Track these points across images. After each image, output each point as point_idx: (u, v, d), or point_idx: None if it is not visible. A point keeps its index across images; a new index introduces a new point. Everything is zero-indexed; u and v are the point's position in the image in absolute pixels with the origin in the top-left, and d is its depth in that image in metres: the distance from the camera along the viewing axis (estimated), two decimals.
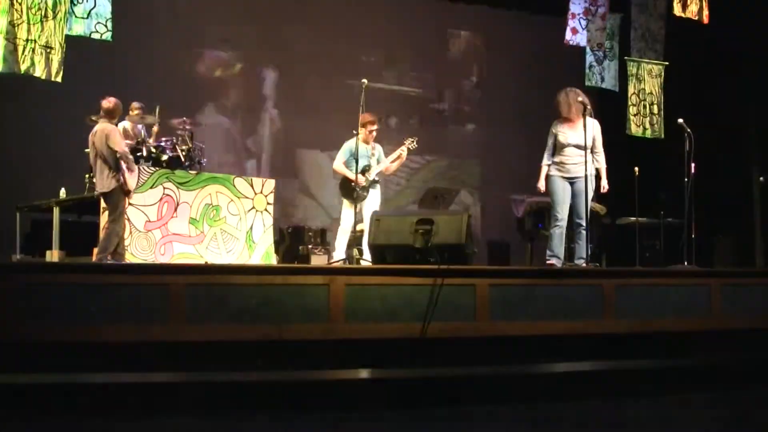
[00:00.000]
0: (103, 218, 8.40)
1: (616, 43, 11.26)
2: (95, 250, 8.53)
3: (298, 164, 12.39)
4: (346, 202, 9.27)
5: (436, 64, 13.31)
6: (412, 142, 9.52)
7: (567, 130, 8.27)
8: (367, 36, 12.56)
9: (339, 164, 9.32)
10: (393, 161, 9.42)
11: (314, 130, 12.03)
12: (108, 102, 8.25)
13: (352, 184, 9.05)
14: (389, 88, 12.79)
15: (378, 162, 9.39)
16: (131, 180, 8.17)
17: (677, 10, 10.57)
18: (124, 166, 8.10)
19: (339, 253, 9.12)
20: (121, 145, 8.12)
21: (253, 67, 12.12)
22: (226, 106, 12.03)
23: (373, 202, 9.29)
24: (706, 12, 10.60)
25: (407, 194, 12.50)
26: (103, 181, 8.06)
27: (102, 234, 8.21)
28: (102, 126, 8.13)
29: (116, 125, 8.36)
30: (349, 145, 9.26)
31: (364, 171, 9.17)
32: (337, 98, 11.48)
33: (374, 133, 9.32)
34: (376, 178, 9.37)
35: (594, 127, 8.29)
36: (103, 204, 8.34)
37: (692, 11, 10.55)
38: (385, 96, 12.25)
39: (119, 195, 8.08)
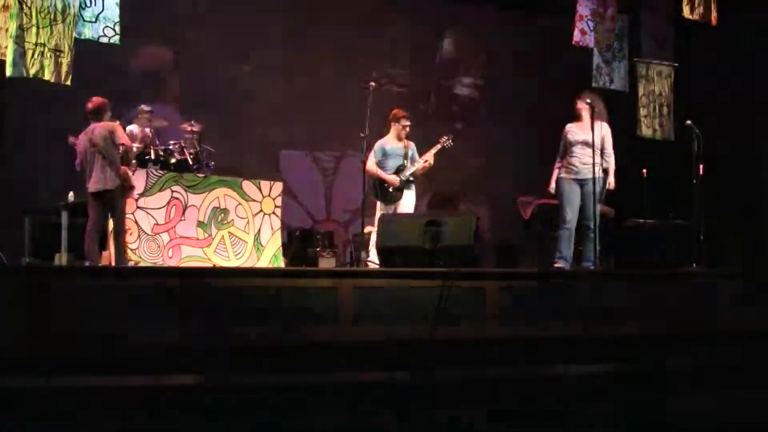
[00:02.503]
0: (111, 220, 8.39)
1: (624, 44, 11.24)
2: (105, 254, 8.55)
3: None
4: (379, 206, 9.09)
5: (443, 65, 13.28)
6: (447, 139, 9.28)
7: (575, 129, 8.36)
8: (371, 36, 12.54)
9: (372, 165, 9.07)
10: (426, 161, 9.14)
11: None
12: (91, 103, 8.23)
13: (385, 185, 8.98)
14: (397, 90, 12.77)
15: (412, 161, 9.19)
16: (132, 176, 8.16)
17: (686, 12, 10.54)
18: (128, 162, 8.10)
19: (373, 257, 8.60)
20: (128, 140, 8.13)
21: (258, 69, 12.10)
22: (233, 108, 12.00)
23: (407, 203, 9.14)
24: (714, 14, 10.56)
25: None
26: (106, 179, 8.00)
27: (91, 236, 8.15)
28: (102, 124, 8.10)
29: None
30: (381, 144, 9.12)
31: (398, 171, 9.10)
32: (340, 99, 11.49)
33: (407, 129, 9.18)
34: (411, 178, 9.20)
35: (603, 128, 8.34)
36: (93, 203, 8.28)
37: (700, 13, 10.51)
38: (392, 98, 12.22)
39: (120, 193, 8.06)
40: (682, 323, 6.93)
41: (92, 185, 8.10)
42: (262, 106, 11.56)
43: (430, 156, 9.18)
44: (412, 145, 9.28)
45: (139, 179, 8.48)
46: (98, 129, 8.06)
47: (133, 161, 8.41)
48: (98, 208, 8.13)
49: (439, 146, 9.24)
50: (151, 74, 10.82)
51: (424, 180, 10.27)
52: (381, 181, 9.01)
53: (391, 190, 9.00)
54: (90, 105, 8.23)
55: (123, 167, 8.05)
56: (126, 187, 8.08)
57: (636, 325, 6.79)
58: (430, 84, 13.01)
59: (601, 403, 5.69)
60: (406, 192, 9.11)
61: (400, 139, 9.15)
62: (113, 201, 8.03)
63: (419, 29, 12.67)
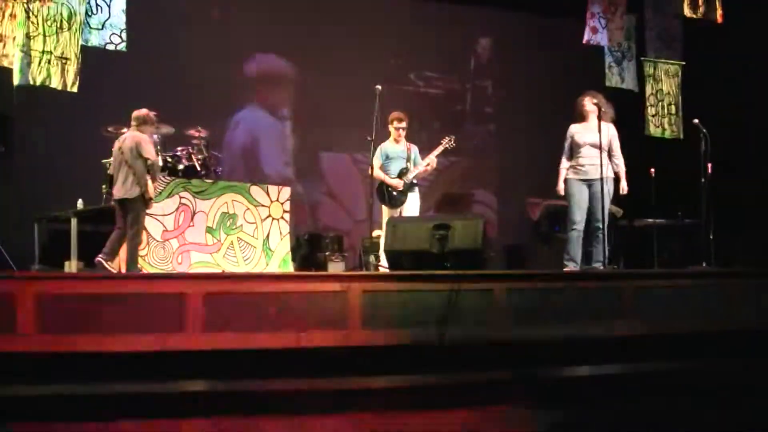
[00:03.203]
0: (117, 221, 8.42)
1: (632, 43, 11.22)
2: (119, 260, 8.57)
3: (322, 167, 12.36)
4: (385, 209, 9.09)
5: (456, 66, 13.28)
6: (450, 140, 9.30)
7: (582, 131, 8.31)
8: (391, 39, 12.55)
9: (377, 170, 9.10)
10: (428, 164, 9.19)
11: (336, 134, 12.03)
12: (138, 111, 8.29)
13: (389, 189, 8.98)
14: (412, 90, 12.79)
15: (414, 164, 9.21)
16: (152, 188, 8.18)
17: (687, 11, 10.51)
18: (150, 175, 8.13)
19: (385, 261, 8.46)
20: (154, 154, 8.15)
21: (274, 72, 12.12)
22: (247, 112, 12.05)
23: (412, 206, 9.13)
24: (719, 11, 10.52)
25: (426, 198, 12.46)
26: (126, 188, 8.05)
27: (115, 240, 8.19)
28: (132, 134, 8.14)
29: (152, 136, 8.37)
30: (382, 148, 9.13)
31: (401, 174, 9.10)
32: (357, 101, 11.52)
33: (402, 131, 9.18)
34: (415, 181, 9.21)
35: (609, 130, 8.30)
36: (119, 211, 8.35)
37: (702, 12, 10.48)
38: (407, 99, 12.23)
39: (140, 203, 8.09)
40: (695, 323, 6.90)
41: (115, 192, 8.16)
42: (302, 108, 11.66)
43: (432, 158, 9.19)
44: (414, 147, 9.29)
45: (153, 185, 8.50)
46: (129, 139, 8.10)
47: (159, 175, 8.41)
48: (120, 215, 8.18)
49: (441, 147, 9.25)
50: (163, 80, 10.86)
51: (432, 180, 10.31)
52: (385, 185, 9.01)
53: (395, 193, 9.00)
54: (134, 113, 8.29)
55: (147, 178, 8.08)
56: (145, 199, 8.11)
57: (647, 326, 6.76)
58: (465, 85, 13.04)
59: (612, 404, 5.66)
60: (410, 195, 9.12)
61: (397, 141, 9.15)
62: (132, 210, 8.06)
63: (451, 32, 12.71)
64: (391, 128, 9.10)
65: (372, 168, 8.96)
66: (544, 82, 12.60)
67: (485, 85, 13.42)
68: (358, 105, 10.88)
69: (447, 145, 9.27)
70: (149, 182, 8.03)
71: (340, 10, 11.92)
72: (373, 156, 8.94)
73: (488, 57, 13.45)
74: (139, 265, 8.09)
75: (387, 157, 9.03)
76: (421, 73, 12.94)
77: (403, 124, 9.17)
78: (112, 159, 8.34)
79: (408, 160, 9.15)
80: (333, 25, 11.84)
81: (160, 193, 8.57)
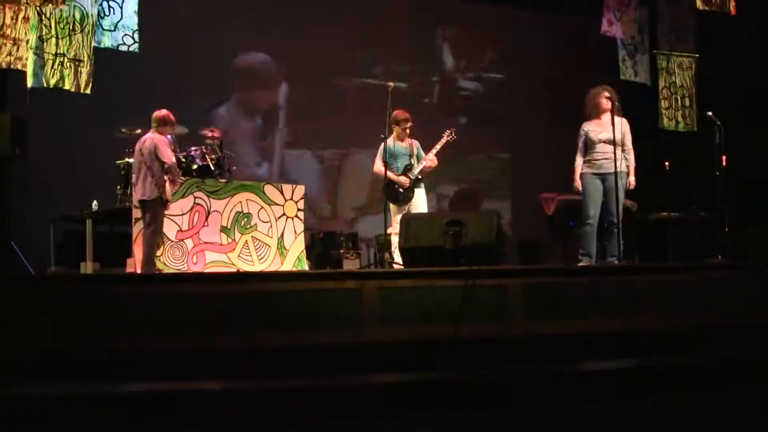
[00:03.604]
0: (136, 227, 8.49)
1: (645, 36, 11.18)
2: (130, 261, 8.62)
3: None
4: (393, 207, 9.06)
5: (466, 63, 13.27)
6: (451, 133, 9.30)
7: (596, 127, 8.28)
8: (392, 36, 12.56)
9: (379, 166, 9.11)
10: (432, 158, 9.19)
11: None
12: (158, 112, 8.34)
13: (396, 186, 8.98)
14: (418, 87, 12.78)
15: (418, 159, 9.23)
16: (170, 191, 8.22)
17: (699, 3, 10.46)
18: (168, 177, 8.17)
19: (398, 258, 8.47)
20: (170, 157, 8.19)
21: (278, 72, 12.15)
22: (252, 112, 12.07)
23: (420, 201, 9.15)
24: (732, 3, 10.46)
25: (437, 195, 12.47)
26: (145, 189, 8.09)
27: (139, 244, 8.25)
28: (152, 136, 8.21)
29: (167, 136, 8.41)
30: (386, 145, 9.09)
31: (406, 171, 9.11)
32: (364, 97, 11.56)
33: (408, 130, 9.20)
34: (420, 177, 9.21)
35: (623, 124, 8.28)
36: (136, 213, 8.41)
37: (716, 3, 10.43)
38: (413, 97, 12.24)
39: (158, 204, 8.14)
40: (710, 317, 6.88)
41: (135, 193, 8.22)
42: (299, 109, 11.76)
43: (435, 152, 9.20)
44: (416, 143, 9.30)
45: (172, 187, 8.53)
46: (148, 141, 8.17)
47: (178, 177, 8.44)
48: (142, 216, 8.25)
49: (443, 141, 9.25)
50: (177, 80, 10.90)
51: (447, 178, 10.29)
52: (391, 183, 9.00)
53: (401, 190, 9.00)
54: (154, 114, 8.37)
55: (166, 179, 8.12)
56: (163, 200, 8.16)
57: (662, 320, 6.75)
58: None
59: (627, 400, 5.64)
60: (416, 191, 9.13)
61: (402, 139, 9.16)
62: (151, 211, 8.11)
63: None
64: (396, 128, 9.08)
65: (384, 167, 8.95)
66: (557, 75, 12.59)
67: (497, 81, 13.43)
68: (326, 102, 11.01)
69: (448, 138, 9.27)
70: (167, 184, 8.08)
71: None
72: (385, 155, 8.95)
73: (499, 53, 13.44)
74: (157, 266, 8.15)
75: (391, 155, 9.00)
76: (428, 71, 12.95)
77: (409, 124, 9.19)
78: (133, 160, 8.39)
79: (412, 156, 9.16)
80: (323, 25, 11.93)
81: (175, 193, 8.60)
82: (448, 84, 13.20)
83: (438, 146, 9.23)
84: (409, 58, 12.71)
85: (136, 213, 8.49)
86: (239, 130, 11.72)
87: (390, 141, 9.08)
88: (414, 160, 9.16)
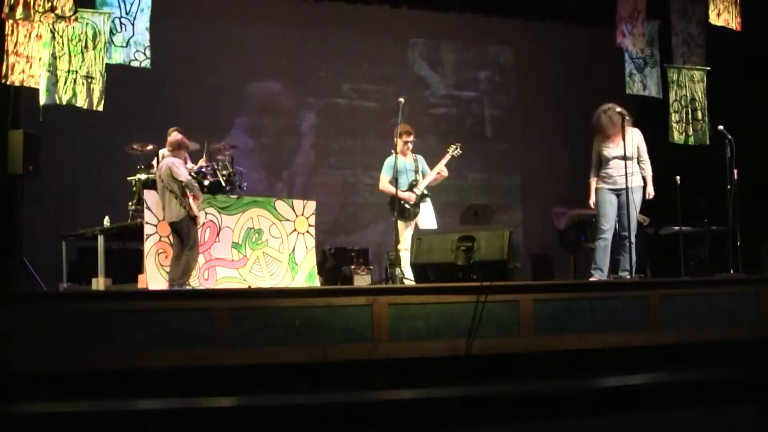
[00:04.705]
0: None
1: (655, 50, 11.16)
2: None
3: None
4: (400, 223, 8.99)
5: (475, 79, 13.28)
6: (456, 148, 9.25)
7: (610, 144, 8.22)
8: (402, 53, 12.60)
9: (385, 183, 9.09)
10: (438, 173, 9.16)
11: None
12: (173, 137, 8.54)
13: (402, 202, 8.95)
14: (429, 103, 12.80)
15: (423, 175, 9.21)
16: (195, 206, 8.26)
17: (712, 18, 10.47)
18: (190, 194, 8.22)
19: (408, 273, 8.39)
20: (185, 175, 8.27)
21: (288, 90, 12.18)
22: (263, 130, 12.10)
23: (427, 216, 9.12)
24: (738, 20, 10.49)
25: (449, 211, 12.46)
26: (171, 212, 8.21)
27: (173, 262, 8.27)
28: (165, 161, 8.38)
29: (182, 158, 8.56)
30: (390, 161, 9.07)
31: (411, 186, 9.09)
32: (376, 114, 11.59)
33: (410, 145, 9.15)
34: (426, 192, 9.20)
35: (635, 135, 8.25)
36: (148, 229, 8.44)
37: (725, 20, 10.44)
38: (424, 113, 12.25)
39: (189, 222, 8.22)
40: (723, 331, 6.84)
41: (165, 218, 8.39)
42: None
43: (441, 166, 9.18)
44: (420, 158, 9.28)
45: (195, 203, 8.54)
46: (164, 165, 8.33)
47: (197, 192, 8.44)
48: (175, 238, 8.33)
49: (448, 156, 9.22)
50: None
51: (457, 194, 10.25)
52: (397, 199, 8.92)
53: (408, 206, 8.97)
54: (168, 139, 8.57)
55: (189, 196, 8.17)
56: (191, 216, 8.21)
57: (675, 335, 6.71)
58: (482, 98, 13.04)
59: (640, 414, 5.61)
60: (422, 206, 9.11)
61: (404, 154, 9.09)
62: (184, 230, 8.20)
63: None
64: (399, 142, 9.02)
65: (390, 184, 8.95)
66: (566, 90, 12.58)
67: (507, 96, 13.42)
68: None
69: (453, 153, 9.24)
70: (191, 201, 8.16)
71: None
72: (393, 170, 8.92)
73: (507, 68, 13.44)
74: (189, 281, 8.21)
75: (396, 171, 8.91)
76: (439, 87, 12.94)
77: (411, 138, 9.16)
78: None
79: (417, 171, 9.14)
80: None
81: (200, 208, 8.57)
82: (456, 100, 13.20)
83: (444, 161, 9.20)
84: (416, 74, 12.75)
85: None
86: (251, 147, 11.75)
87: (393, 157, 9.01)
88: (419, 176, 9.14)
